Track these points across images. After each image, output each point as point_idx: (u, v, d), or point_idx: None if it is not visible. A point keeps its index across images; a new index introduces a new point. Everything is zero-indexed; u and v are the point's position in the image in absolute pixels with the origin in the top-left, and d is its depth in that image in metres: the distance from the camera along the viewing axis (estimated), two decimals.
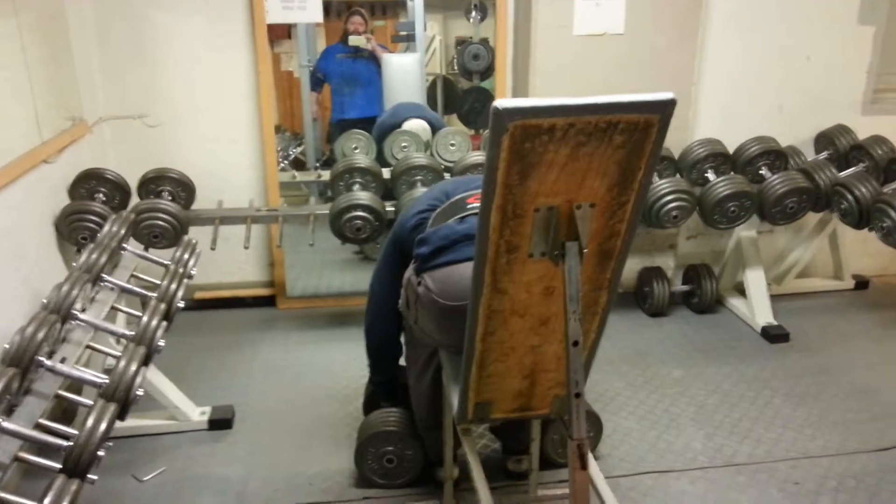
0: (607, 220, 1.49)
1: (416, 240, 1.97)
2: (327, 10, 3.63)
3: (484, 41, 4.15)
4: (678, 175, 3.50)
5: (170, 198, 3.18)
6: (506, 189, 1.39)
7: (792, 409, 2.78)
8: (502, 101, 1.28)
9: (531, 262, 1.51)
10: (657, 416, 2.74)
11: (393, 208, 3.19)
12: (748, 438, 2.59)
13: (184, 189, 3.24)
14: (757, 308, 3.47)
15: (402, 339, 2.27)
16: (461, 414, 1.78)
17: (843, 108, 3.81)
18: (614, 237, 1.52)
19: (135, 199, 3.17)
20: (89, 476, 1.51)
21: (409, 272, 1.98)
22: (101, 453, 1.54)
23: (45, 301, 1.96)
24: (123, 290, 2.34)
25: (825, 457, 2.48)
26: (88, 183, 3.06)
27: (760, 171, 3.53)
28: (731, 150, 3.59)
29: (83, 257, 2.21)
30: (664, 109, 1.36)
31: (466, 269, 1.78)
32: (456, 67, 4.40)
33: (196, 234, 3.03)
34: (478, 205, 1.88)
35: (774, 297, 3.54)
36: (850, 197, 3.22)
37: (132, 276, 2.54)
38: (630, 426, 2.67)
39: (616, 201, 1.46)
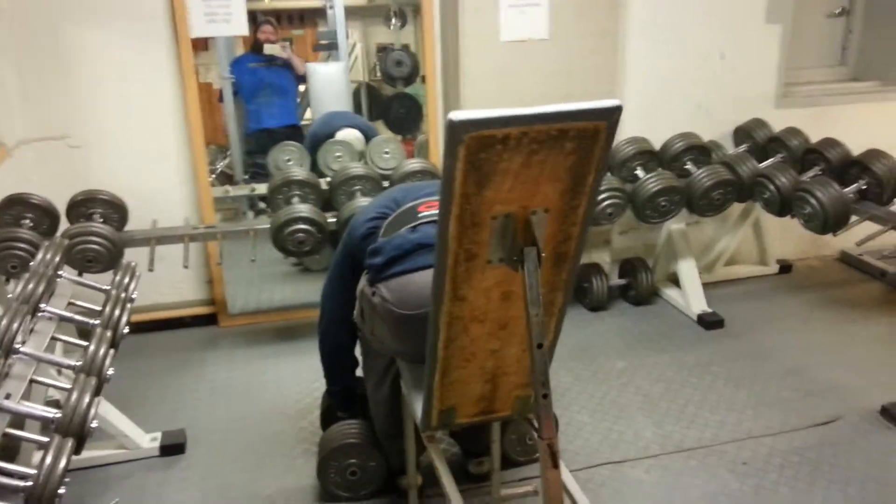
0: (561, 224, 1.54)
1: (368, 250, 1.97)
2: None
3: (405, 47, 4.18)
4: (609, 173, 3.61)
5: (101, 220, 3.08)
6: (463, 199, 1.42)
7: (732, 391, 2.91)
8: (457, 113, 1.31)
9: (489, 268, 1.54)
10: (607, 408, 2.82)
11: (334, 219, 3.18)
12: (695, 423, 2.70)
13: (115, 210, 3.14)
14: (691, 297, 3.61)
15: (358, 350, 2.27)
16: (426, 421, 1.80)
17: (758, 102, 4.00)
18: (568, 240, 1.57)
19: (64, 224, 3.06)
20: None
21: (363, 283, 1.99)
22: (61, 491, 1.49)
23: None
24: (63, 319, 2.26)
25: (768, 436, 2.61)
26: (13, 209, 2.94)
27: (686, 166, 3.67)
28: (656, 147, 3.72)
29: (20, 287, 2.13)
30: (611, 116, 1.41)
31: (422, 277, 1.81)
32: (379, 74, 4.41)
33: (131, 255, 2.95)
34: (429, 213, 1.93)
35: (706, 286, 3.69)
36: (771, 186, 3.39)
37: (69, 303, 2.45)
38: (582, 419, 2.74)
39: (569, 205, 1.51)
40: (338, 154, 3.59)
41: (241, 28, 3.36)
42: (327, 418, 2.47)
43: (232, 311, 3.65)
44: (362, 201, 3.14)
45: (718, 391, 2.92)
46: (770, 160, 3.72)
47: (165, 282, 3.52)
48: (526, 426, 2.36)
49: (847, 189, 3.31)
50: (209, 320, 3.63)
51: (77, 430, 1.68)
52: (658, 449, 2.55)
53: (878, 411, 2.72)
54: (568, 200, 1.50)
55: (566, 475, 1.72)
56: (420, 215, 1.95)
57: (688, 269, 3.67)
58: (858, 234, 3.27)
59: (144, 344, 3.39)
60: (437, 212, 1.84)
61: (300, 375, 3.06)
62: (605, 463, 2.48)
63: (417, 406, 1.81)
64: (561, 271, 1.63)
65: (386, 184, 3.37)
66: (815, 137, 3.71)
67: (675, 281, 3.79)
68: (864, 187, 3.36)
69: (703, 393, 2.91)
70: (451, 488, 1.74)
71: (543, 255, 1.49)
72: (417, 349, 1.72)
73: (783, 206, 3.38)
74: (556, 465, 1.46)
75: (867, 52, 4.39)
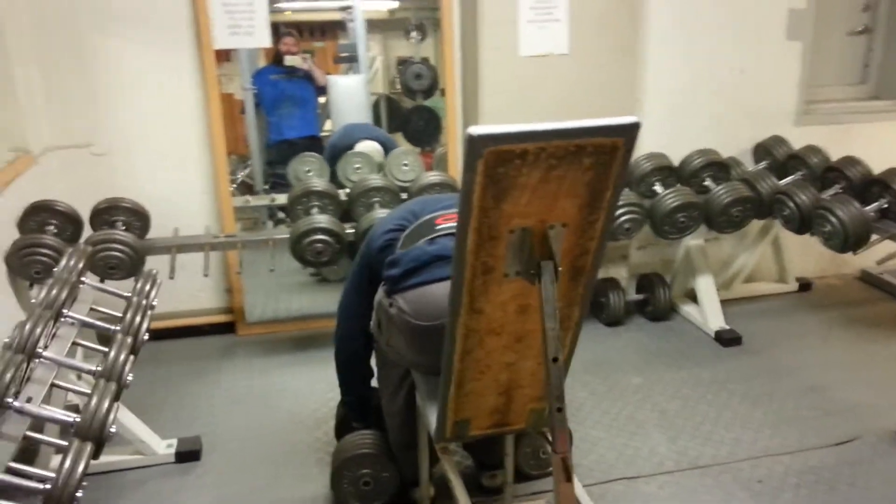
0: (578, 239, 1.55)
1: (385, 261, 1.99)
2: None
3: (425, 60, 4.21)
4: (627, 188, 3.61)
5: (124, 228, 3.13)
6: (481, 212, 1.43)
7: (749, 409, 2.89)
8: (476, 128, 1.33)
9: (506, 281, 1.55)
10: (622, 424, 2.81)
11: (353, 230, 3.20)
12: (710, 440, 2.68)
13: (138, 218, 3.19)
14: (709, 313, 3.59)
15: (374, 361, 2.28)
16: (440, 433, 1.80)
17: (777, 119, 3.99)
18: (585, 254, 1.58)
19: (87, 231, 3.11)
20: None
21: (380, 294, 2.00)
22: (79, 494, 1.51)
23: (7, 340, 1.91)
24: (84, 325, 2.29)
25: (785, 454, 2.58)
26: (38, 215, 2.99)
27: (705, 183, 3.66)
28: (675, 162, 3.71)
29: (43, 293, 2.16)
30: (629, 132, 1.42)
31: (439, 289, 1.82)
32: (399, 86, 4.45)
33: (152, 262, 2.99)
34: (447, 225, 1.94)
35: (724, 303, 3.67)
36: (791, 204, 3.37)
37: (91, 309, 2.49)
38: (597, 435, 2.73)
39: (586, 220, 1.52)
40: (357, 166, 3.62)
41: (264, 40, 3.40)
42: (342, 429, 2.48)
43: (250, 319, 3.68)
44: (381, 213, 3.16)
45: (735, 408, 2.90)
46: (790, 178, 3.71)
47: (185, 290, 3.56)
48: (540, 440, 2.36)
49: (868, 207, 3.29)
50: (227, 329, 3.66)
51: (96, 435, 1.70)
52: (673, 465, 2.54)
53: None
54: (586, 215, 1.51)
55: (579, 489, 1.72)
56: (438, 227, 1.96)
57: (706, 286, 3.66)
58: (879, 253, 3.24)
59: (163, 351, 3.42)
60: (454, 224, 1.86)
61: (316, 385, 3.07)
62: (620, 478, 2.47)
63: (432, 417, 1.82)
64: (578, 286, 1.63)
65: (404, 196, 3.39)
66: (835, 155, 3.69)
67: (692, 297, 3.78)
68: (885, 206, 3.33)
69: (718, 410, 2.89)
70: (464, 500, 1.74)
71: (560, 269, 1.49)
72: (433, 361, 1.73)
73: (803, 223, 3.36)
74: (569, 479, 1.46)
75: (889, 70, 4.36)
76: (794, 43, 3.92)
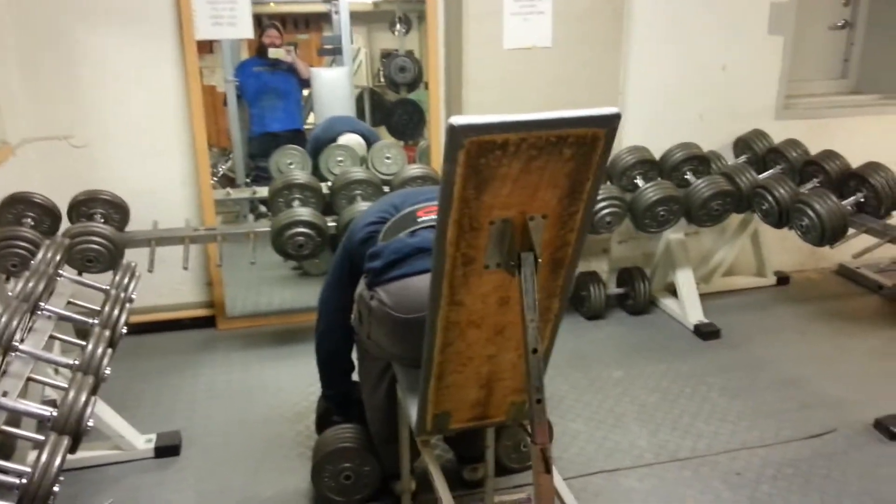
0: (559, 230, 1.55)
1: (367, 254, 1.98)
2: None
3: (409, 53, 4.19)
4: (609, 182, 3.62)
5: (103, 220, 3.09)
6: (462, 203, 1.43)
7: (728, 402, 2.91)
8: (458, 119, 1.32)
9: (487, 273, 1.55)
10: (602, 417, 2.82)
11: (334, 223, 3.19)
12: (689, 433, 2.70)
13: (117, 211, 3.16)
14: (688, 307, 3.62)
15: (355, 355, 2.28)
16: (420, 426, 1.80)
17: (758, 113, 4.02)
18: (566, 246, 1.58)
19: (65, 223, 3.07)
20: None
21: (361, 287, 2.00)
22: (56, 489, 1.49)
23: None
24: (62, 318, 2.27)
25: (762, 447, 2.61)
26: (15, 208, 2.96)
27: (686, 176, 3.68)
28: (657, 156, 3.73)
29: (20, 285, 2.13)
30: (610, 123, 1.43)
31: (420, 281, 1.82)
32: (383, 79, 4.43)
33: (131, 255, 2.96)
34: (428, 218, 1.94)
35: (703, 296, 3.70)
36: (770, 198, 3.40)
37: (69, 302, 2.46)
38: (578, 428, 2.74)
39: (567, 212, 1.52)
40: (339, 158, 3.61)
41: (247, 31, 3.38)
42: (322, 423, 2.47)
43: (231, 313, 3.65)
44: (363, 206, 3.15)
45: (713, 401, 2.92)
46: (769, 171, 3.74)
47: (165, 283, 3.53)
48: (520, 433, 2.37)
49: (845, 202, 3.32)
50: (207, 323, 3.64)
51: (73, 429, 1.69)
52: (652, 458, 2.56)
53: (872, 424, 2.73)
54: (566, 206, 1.51)
55: (558, 481, 1.73)
56: (419, 220, 1.96)
57: (685, 279, 3.68)
58: (856, 247, 3.28)
59: (142, 345, 3.39)
60: (435, 217, 1.87)
61: (297, 379, 3.06)
62: (600, 472, 2.48)
63: (412, 410, 1.82)
64: (558, 277, 1.63)
65: (387, 189, 3.38)
66: (815, 149, 3.73)
67: (672, 291, 3.80)
68: (862, 200, 3.37)
69: (698, 403, 2.91)
70: (445, 493, 1.74)
71: (540, 260, 1.49)
72: (414, 353, 1.72)
73: (781, 217, 3.40)
74: (548, 471, 1.47)
75: (869, 64, 4.41)
76: (776, 37, 3.94)
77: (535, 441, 1.48)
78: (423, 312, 1.61)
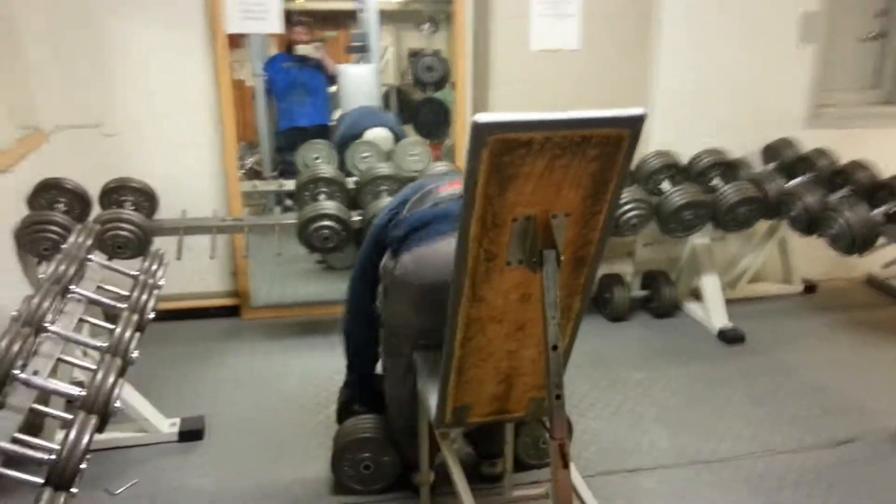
0: (581, 229, 1.56)
1: (390, 226, 2.03)
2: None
3: (437, 53, 4.21)
4: (635, 185, 3.61)
5: (133, 208, 3.15)
6: (485, 200, 1.44)
7: (750, 407, 2.89)
8: (482, 116, 1.34)
9: (508, 270, 1.56)
10: (623, 417, 2.82)
11: (359, 218, 3.22)
12: (711, 436, 2.69)
13: (146, 199, 3.22)
14: (713, 312, 3.59)
15: (380, 349, 2.29)
16: (439, 418, 1.82)
17: (787, 121, 3.97)
18: (588, 245, 1.59)
19: (96, 210, 3.13)
20: (72, 489, 1.51)
21: (385, 258, 2.02)
22: (83, 466, 1.53)
23: (15, 313, 1.94)
24: (91, 302, 2.32)
25: (784, 453, 2.59)
26: (48, 193, 3.02)
27: (713, 182, 3.66)
28: (683, 161, 3.71)
29: (51, 268, 2.19)
30: (635, 124, 1.44)
31: (442, 246, 1.85)
32: (410, 78, 4.45)
33: (160, 243, 3.01)
34: (448, 192, 1.97)
35: (729, 302, 3.67)
36: (799, 204, 3.37)
37: (98, 287, 2.51)
38: (598, 427, 2.74)
39: (590, 211, 1.53)
40: (365, 154, 3.64)
41: (276, 26, 3.41)
42: (343, 413, 2.49)
43: (255, 303, 3.70)
44: (388, 201, 3.17)
45: (736, 406, 2.90)
46: (798, 179, 3.70)
47: (192, 271, 3.59)
48: (539, 430, 2.37)
49: (875, 211, 3.28)
50: (232, 312, 3.69)
51: (101, 409, 1.73)
52: (672, 460, 2.55)
53: None
54: (589, 206, 1.52)
55: (576, 477, 1.74)
56: (440, 195, 1.99)
57: (711, 284, 3.66)
58: (885, 257, 3.24)
59: (168, 332, 3.44)
60: (457, 190, 1.89)
61: (319, 370, 3.09)
62: (619, 471, 2.48)
63: (432, 402, 1.84)
64: (579, 276, 1.64)
65: None
66: (844, 159, 3.68)
67: (697, 295, 3.78)
68: (893, 211, 3.32)
69: (720, 407, 2.89)
70: (463, 486, 1.76)
71: (563, 258, 1.50)
72: (438, 322, 1.70)
73: (810, 224, 3.36)
74: (566, 466, 1.48)
75: None
76: (807, 46, 3.90)
77: (554, 437, 1.49)
78: (446, 278, 1.61)
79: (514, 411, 1.86)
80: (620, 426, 2.76)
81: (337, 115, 4.47)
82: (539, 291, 1.51)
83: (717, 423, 2.78)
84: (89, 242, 2.46)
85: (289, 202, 4.13)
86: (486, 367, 1.74)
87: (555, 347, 1.48)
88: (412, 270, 1.89)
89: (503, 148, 1.37)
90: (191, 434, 2.63)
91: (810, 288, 4.12)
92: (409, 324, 2.00)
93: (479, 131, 1.34)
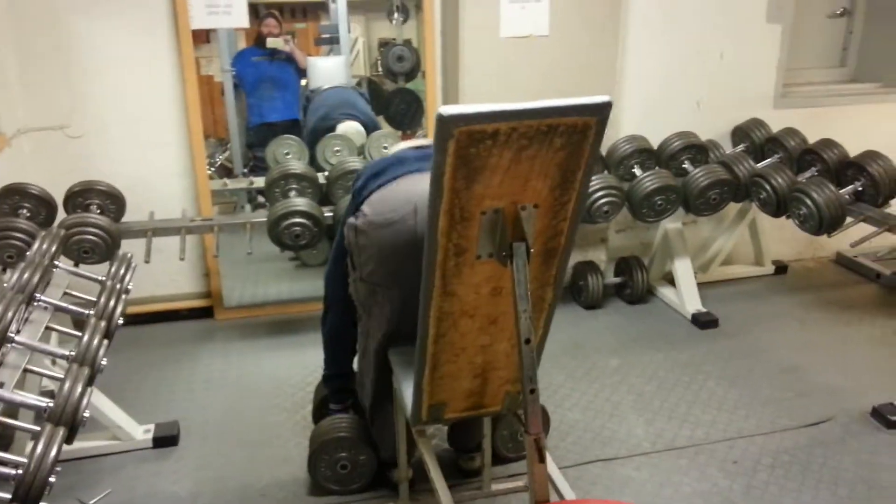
0: (551, 220, 1.55)
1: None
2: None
3: (407, 42, 4.17)
4: (606, 171, 3.61)
5: (99, 211, 3.10)
6: (453, 194, 1.43)
7: (725, 391, 2.92)
8: (447, 108, 1.32)
9: (479, 263, 1.55)
10: (599, 406, 2.83)
11: (331, 213, 3.18)
12: (686, 422, 2.71)
13: (113, 201, 3.16)
14: (686, 296, 3.61)
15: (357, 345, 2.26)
16: (415, 416, 1.81)
17: (756, 102, 4.01)
18: (558, 235, 1.58)
19: (61, 214, 3.07)
20: None
21: (349, 222, 1.97)
22: (52, 479, 1.50)
23: None
24: (58, 309, 2.27)
25: (759, 435, 2.61)
26: (11, 199, 2.95)
27: (683, 165, 3.67)
28: (654, 145, 3.72)
29: (15, 276, 2.13)
30: (601, 112, 1.42)
31: (399, 185, 1.86)
32: (380, 69, 4.41)
33: (128, 246, 2.96)
34: (410, 144, 2.00)
35: (701, 285, 3.70)
36: (767, 187, 3.39)
37: (65, 293, 2.46)
38: (574, 417, 2.75)
39: (558, 201, 1.52)
40: (337, 148, 3.60)
41: (242, 20, 3.36)
42: (319, 412, 2.48)
43: (228, 304, 3.66)
44: None
45: (711, 390, 2.92)
46: (767, 160, 3.73)
47: (162, 273, 3.53)
48: (517, 422, 2.37)
49: (843, 190, 3.32)
50: (205, 313, 3.64)
51: (69, 420, 1.69)
52: (649, 447, 2.56)
53: (870, 413, 2.73)
54: (558, 196, 1.51)
55: (553, 470, 1.74)
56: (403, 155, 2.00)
57: (683, 268, 3.68)
58: (854, 236, 3.27)
59: (140, 336, 3.40)
60: (415, 142, 1.88)
61: (295, 369, 3.07)
62: (596, 460, 2.49)
63: (407, 400, 1.82)
64: (550, 267, 1.63)
65: None
66: (813, 138, 3.71)
67: (670, 280, 3.80)
68: (860, 189, 3.37)
69: (695, 392, 2.91)
70: (440, 482, 1.75)
71: (533, 250, 1.49)
72: (409, 274, 1.67)
73: (779, 206, 3.39)
74: (542, 460, 1.47)
75: (867, 53, 4.39)
76: (774, 26, 3.92)
77: (529, 431, 1.48)
78: (406, 217, 1.61)
79: (490, 406, 1.85)
80: (597, 415, 2.76)
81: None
82: (510, 284, 1.50)
83: (692, 408, 2.80)
84: (54, 248, 2.40)
85: (261, 199, 4.07)
86: (460, 362, 1.73)
87: (527, 341, 1.47)
88: (371, 215, 1.86)
89: (469, 140, 1.35)
90: (165, 440, 2.59)
91: (781, 269, 4.17)
92: (382, 287, 1.93)
93: (445, 124, 1.32)
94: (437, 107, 3.68)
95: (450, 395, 1.80)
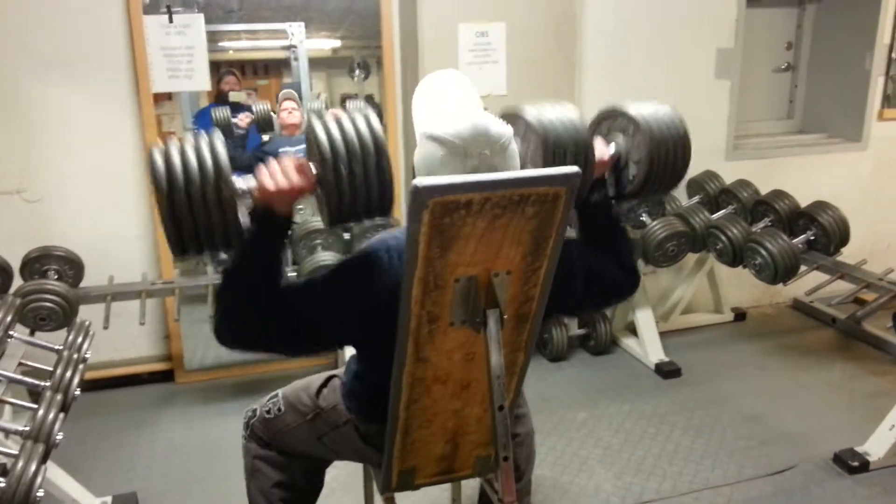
0: (522, 286, 1.56)
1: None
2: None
3: (369, 98, 4.22)
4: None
5: (56, 277, 3.02)
6: (427, 262, 1.43)
7: (690, 441, 2.94)
8: (422, 180, 1.33)
9: (452, 330, 1.55)
10: (567, 461, 2.82)
11: (294, 273, 3.16)
12: (653, 475, 2.71)
13: (71, 266, 3.08)
14: (649, 346, 3.66)
15: None
16: (385, 483, 1.78)
17: (709, 154, 4.13)
18: (529, 301, 1.59)
19: (18, 281, 2.99)
20: None
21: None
22: None
23: None
24: (12, 381, 2.20)
25: (725, 486, 2.64)
26: None
27: (641, 218, 3.75)
28: None
29: None
30: (570, 182, 1.45)
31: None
32: None
33: (87, 311, 2.89)
34: None
35: (663, 334, 3.75)
36: (724, 238, 3.48)
37: (20, 363, 2.39)
38: (543, 473, 2.73)
39: (530, 267, 1.53)
40: (300, 207, 3.59)
41: (203, 83, 3.38)
42: None
43: (189, 367, 3.58)
44: (324, 255, 3.14)
45: (676, 441, 2.94)
46: (722, 211, 3.83)
47: (121, 338, 3.45)
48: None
49: (796, 240, 3.42)
50: (166, 377, 3.55)
51: (22, 500, 1.63)
52: (618, 502, 2.56)
53: (832, 458, 2.77)
54: (529, 262, 1.53)
55: None
56: None
57: (645, 319, 3.73)
58: (809, 283, 3.37)
59: (99, 402, 3.29)
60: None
61: None
62: None
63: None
64: (522, 332, 1.64)
65: (347, 236, 3.37)
66: (764, 188, 3.83)
67: (633, 330, 3.85)
68: (812, 238, 3.47)
69: (661, 443, 2.93)
70: None
71: (505, 316, 1.50)
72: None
73: (735, 257, 3.47)
74: None
75: (812, 105, 4.59)
76: (723, 81, 4.08)
77: (503, 500, 1.47)
78: None
79: (461, 470, 1.84)
80: (565, 470, 2.76)
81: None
82: (483, 350, 1.50)
83: (659, 460, 2.81)
84: (9, 318, 2.34)
85: (223, 257, 4.02)
86: (432, 427, 1.71)
87: (500, 408, 1.47)
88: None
89: (444, 210, 1.36)
90: None
91: (740, 316, 4.25)
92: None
93: (420, 195, 1.33)
94: (400, 161, 3.74)
95: (421, 461, 1.78)
